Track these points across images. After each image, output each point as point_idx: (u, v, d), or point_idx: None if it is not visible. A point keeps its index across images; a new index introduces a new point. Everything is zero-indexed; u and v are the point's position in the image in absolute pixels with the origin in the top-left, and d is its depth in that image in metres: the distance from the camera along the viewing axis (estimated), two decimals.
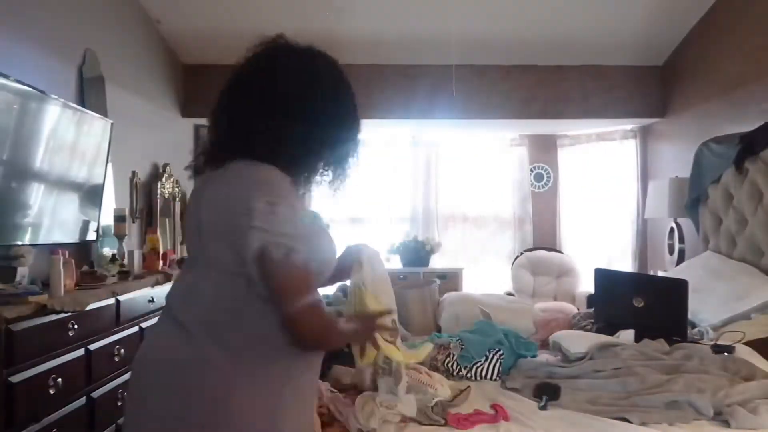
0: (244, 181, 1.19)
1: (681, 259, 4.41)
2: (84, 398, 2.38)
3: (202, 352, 1.19)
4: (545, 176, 6.00)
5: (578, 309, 4.22)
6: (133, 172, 4.06)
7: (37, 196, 2.67)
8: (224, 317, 1.21)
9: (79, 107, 3.03)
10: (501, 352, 2.66)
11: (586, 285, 5.05)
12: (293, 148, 1.25)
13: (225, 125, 1.31)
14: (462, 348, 2.70)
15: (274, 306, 1.18)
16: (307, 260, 1.18)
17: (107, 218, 3.38)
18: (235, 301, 1.20)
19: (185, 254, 4.77)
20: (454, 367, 2.60)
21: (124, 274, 3.02)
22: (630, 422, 1.99)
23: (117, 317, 2.69)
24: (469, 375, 2.59)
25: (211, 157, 1.31)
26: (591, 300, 4.28)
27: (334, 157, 1.34)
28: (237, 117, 1.29)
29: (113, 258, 3.20)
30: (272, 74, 1.35)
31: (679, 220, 4.48)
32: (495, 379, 2.56)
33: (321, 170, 1.35)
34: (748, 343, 2.65)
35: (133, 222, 4.01)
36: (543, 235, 5.98)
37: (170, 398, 1.18)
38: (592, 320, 3.24)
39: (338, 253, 1.45)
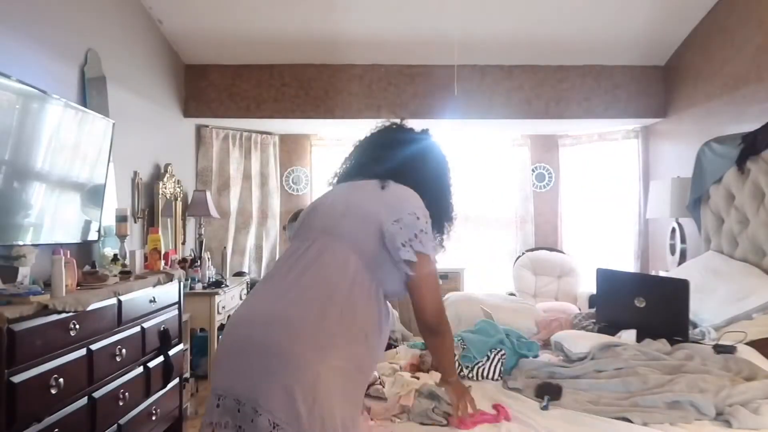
0: (410, 194, 1.65)
1: (683, 259, 4.40)
2: (85, 398, 2.38)
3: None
4: (547, 176, 6.00)
5: (580, 309, 4.23)
6: (135, 172, 4.06)
7: (38, 196, 2.67)
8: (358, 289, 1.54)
9: (80, 107, 3.03)
10: (503, 352, 2.66)
11: (588, 285, 5.04)
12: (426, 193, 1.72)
13: (372, 158, 1.78)
14: (464, 348, 2.70)
15: (417, 292, 1.60)
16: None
17: (109, 218, 3.39)
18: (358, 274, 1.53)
19: (186, 254, 4.78)
20: (456, 367, 2.59)
21: (126, 274, 3.02)
22: (632, 422, 1.99)
23: (119, 317, 2.69)
24: (470, 375, 2.59)
25: (365, 171, 1.74)
26: (592, 300, 4.29)
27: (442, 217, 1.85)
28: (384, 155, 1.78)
29: (115, 258, 3.20)
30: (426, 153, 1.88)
31: (681, 220, 4.48)
32: (496, 379, 2.56)
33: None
34: (750, 344, 2.65)
35: (135, 222, 4.01)
36: (545, 235, 5.97)
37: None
38: (594, 320, 3.24)
39: None
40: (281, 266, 1.59)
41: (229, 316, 4.89)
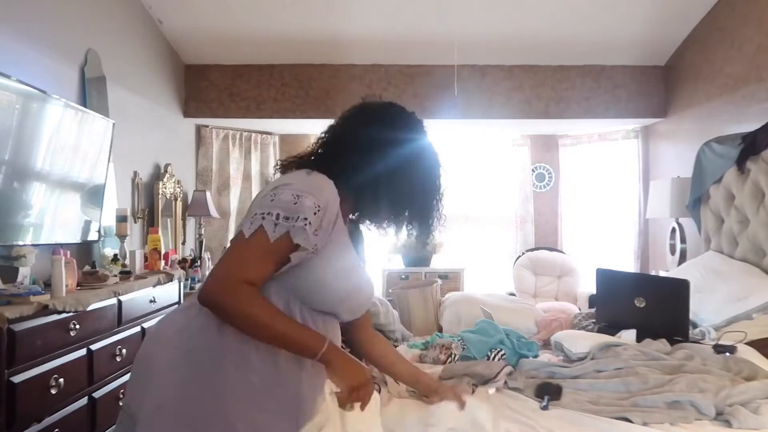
0: (298, 174, 1.34)
1: (683, 259, 4.40)
2: (85, 398, 2.38)
3: None
4: (547, 176, 6.00)
5: (580, 309, 4.22)
6: (135, 172, 4.06)
7: (38, 196, 2.67)
8: None
9: (80, 107, 3.03)
10: (503, 351, 2.66)
11: (588, 285, 5.04)
12: (356, 174, 1.39)
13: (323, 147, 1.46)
14: (464, 348, 2.70)
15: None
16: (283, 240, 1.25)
17: (109, 218, 3.39)
18: None
19: (186, 254, 4.78)
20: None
21: (126, 274, 3.02)
22: (632, 422, 1.98)
23: (119, 317, 2.70)
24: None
25: (295, 165, 1.44)
26: (592, 300, 4.28)
27: (413, 212, 1.50)
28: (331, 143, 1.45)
29: (115, 258, 3.20)
30: (366, 121, 1.46)
31: (681, 220, 4.47)
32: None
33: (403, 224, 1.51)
34: (750, 343, 2.65)
35: (135, 222, 4.01)
36: (545, 235, 5.98)
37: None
38: (594, 320, 3.24)
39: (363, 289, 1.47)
40: None
41: None
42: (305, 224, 1.25)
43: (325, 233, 1.30)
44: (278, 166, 1.48)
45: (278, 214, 1.24)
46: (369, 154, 1.39)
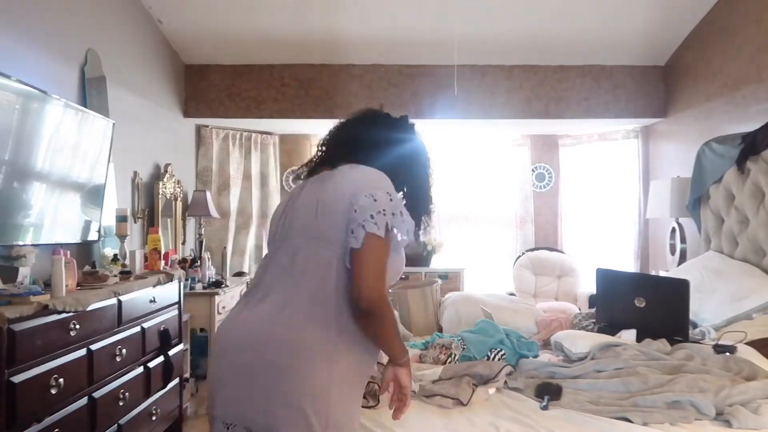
0: (365, 173, 1.51)
1: (683, 259, 4.40)
2: (86, 398, 2.38)
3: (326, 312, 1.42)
4: (547, 176, 6.00)
5: (580, 309, 4.22)
6: (135, 172, 4.06)
7: (38, 196, 2.67)
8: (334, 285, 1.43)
9: (80, 107, 3.03)
10: (503, 351, 2.66)
11: (588, 285, 5.04)
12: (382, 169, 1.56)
13: (338, 145, 1.65)
14: (464, 348, 2.70)
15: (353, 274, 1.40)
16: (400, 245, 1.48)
17: (109, 218, 3.39)
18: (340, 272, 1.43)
19: (186, 254, 4.78)
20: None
21: (126, 274, 3.02)
22: (632, 422, 1.99)
23: (119, 317, 2.69)
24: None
25: (321, 164, 1.63)
26: (592, 300, 4.28)
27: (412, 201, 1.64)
28: (350, 140, 1.64)
29: (115, 258, 3.20)
30: (377, 122, 1.70)
31: (681, 220, 4.48)
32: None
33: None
34: (750, 343, 2.65)
35: (135, 222, 4.01)
36: (545, 235, 5.98)
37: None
38: (594, 320, 3.24)
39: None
40: (263, 278, 1.51)
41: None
42: (402, 215, 1.45)
43: None
44: (318, 160, 1.66)
45: (386, 211, 1.40)
46: (391, 164, 1.60)
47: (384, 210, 1.40)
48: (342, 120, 1.70)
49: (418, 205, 1.64)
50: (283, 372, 1.35)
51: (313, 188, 1.53)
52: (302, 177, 1.67)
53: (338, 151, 1.62)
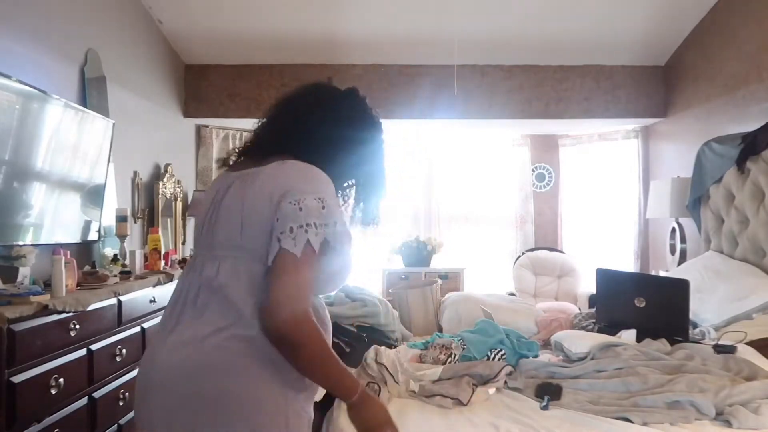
0: (297, 170, 1.27)
1: (683, 259, 4.40)
2: (85, 398, 2.38)
3: (253, 332, 1.21)
4: (547, 176, 6.00)
5: (580, 309, 4.22)
6: (135, 172, 4.06)
7: (38, 196, 2.67)
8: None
9: (80, 107, 3.03)
10: (503, 351, 2.66)
11: (588, 285, 5.04)
12: (326, 159, 1.35)
13: (272, 132, 1.41)
14: (464, 348, 2.70)
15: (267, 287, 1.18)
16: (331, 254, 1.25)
17: (109, 218, 3.39)
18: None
19: (187, 254, 4.78)
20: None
21: (126, 274, 3.02)
22: (632, 422, 1.99)
23: (119, 317, 2.70)
24: None
25: (252, 154, 1.39)
26: (592, 300, 4.28)
27: (363, 188, 1.48)
28: (286, 126, 1.40)
29: (115, 258, 3.20)
30: (321, 102, 1.44)
31: (681, 220, 4.48)
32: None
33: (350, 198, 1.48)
34: (750, 343, 2.65)
35: (135, 222, 4.01)
36: (544, 235, 5.98)
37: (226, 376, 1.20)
38: (594, 320, 3.24)
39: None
40: (181, 296, 1.39)
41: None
42: (336, 225, 1.23)
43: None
44: (242, 156, 1.42)
45: (315, 223, 1.19)
46: (341, 150, 1.40)
47: (309, 223, 1.18)
48: (279, 99, 1.45)
49: (372, 195, 1.48)
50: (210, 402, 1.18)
51: (239, 188, 1.29)
52: (227, 167, 1.44)
53: (271, 140, 1.38)
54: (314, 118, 1.38)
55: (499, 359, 2.61)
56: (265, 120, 1.43)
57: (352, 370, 2.23)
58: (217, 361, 1.19)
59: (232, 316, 1.22)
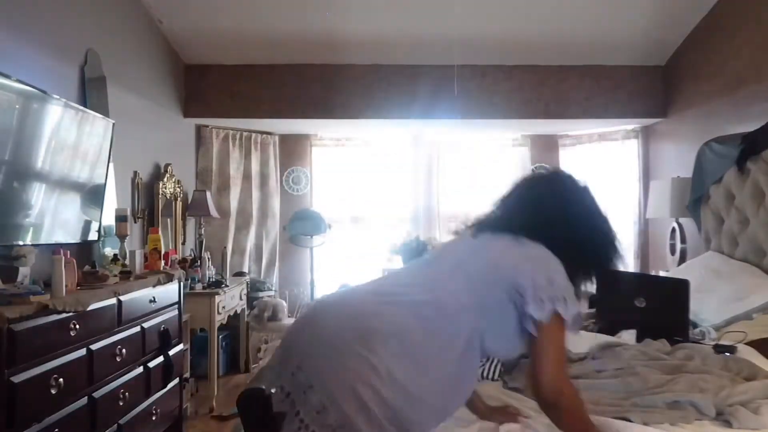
0: (549, 255, 1.47)
1: (683, 259, 4.40)
2: (85, 398, 2.38)
3: None
4: None
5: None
6: (135, 172, 4.06)
7: (38, 196, 2.67)
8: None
9: (80, 107, 3.03)
10: None
11: (588, 285, 5.03)
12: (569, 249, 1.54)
13: (525, 213, 1.63)
14: None
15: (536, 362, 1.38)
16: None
17: (109, 218, 3.39)
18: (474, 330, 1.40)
19: (186, 254, 4.78)
20: None
21: (126, 274, 3.02)
22: (632, 422, 1.98)
23: (119, 317, 2.69)
24: None
25: (498, 225, 1.62)
26: (592, 300, 4.28)
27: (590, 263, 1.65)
28: (539, 211, 1.61)
29: (115, 258, 3.20)
30: (566, 197, 1.70)
31: (681, 220, 4.48)
32: (496, 379, 2.55)
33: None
34: (750, 343, 2.65)
35: (135, 222, 4.01)
36: None
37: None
38: (594, 320, 3.24)
39: None
40: (400, 274, 1.60)
41: (256, 309, 5.00)
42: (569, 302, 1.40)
43: None
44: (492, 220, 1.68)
45: (565, 299, 1.38)
46: (577, 229, 1.63)
47: (566, 296, 1.40)
48: (527, 181, 1.76)
49: (592, 263, 1.69)
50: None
51: (480, 242, 1.57)
52: (471, 229, 1.69)
53: (516, 217, 1.62)
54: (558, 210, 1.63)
55: (499, 359, 2.61)
56: (510, 196, 1.74)
57: None
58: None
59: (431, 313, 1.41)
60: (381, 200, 5.90)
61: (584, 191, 1.74)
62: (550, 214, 1.59)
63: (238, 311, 4.83)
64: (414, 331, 1.35)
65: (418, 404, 1.31)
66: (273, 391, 1.34)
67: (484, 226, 1.65)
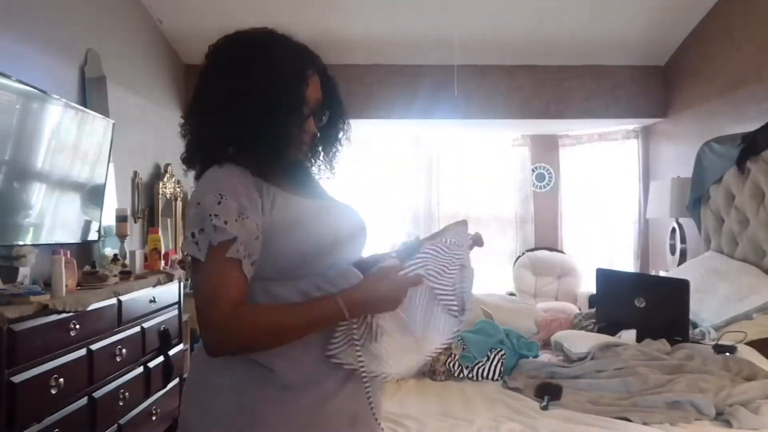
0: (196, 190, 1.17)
1: (683, 259, 4.40)
2: (85, 398, 2.38)
3: None
4: (547, 176, 6.00)
5: (580, 309, 4.23)
6: (135, 172, 4.06)
7: (38, 196, 2.67)
8: None
9: (80, 107, 3.03)
10: (503, 351, 2.66)
11: (588, 285, 5.04)
12: (226, 141, 1.21)
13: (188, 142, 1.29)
14: (464, 348, 2.70)
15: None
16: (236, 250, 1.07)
17: (109, 218, 3.39)
18: None
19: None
20: (456, 367, 2.60)
21: (126, 274, 3.02)
22: (632, 422, 1.99)
23: (119, 317, 2.69)
24: (470, 375, 2.59)
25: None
26: (593, 300, 4.28)
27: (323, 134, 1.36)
28: (190, 135, 1.29)
29: (115, 258, 3.20)
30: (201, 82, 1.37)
31: (681, 220, 4.47)
32: (496, 379, 2.56)
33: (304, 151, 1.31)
34: (750, 343, 2.65)
35: (135, 222, 4.01)
36: (545, 235, 5.97)
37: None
38: (594, 320, 3.24)
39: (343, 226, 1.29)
40: None
41: None
42: (214, 222, 1.06)
43: (256, 209, 1.12)
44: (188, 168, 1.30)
45: (192, 233, 1.08)
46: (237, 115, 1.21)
47: (202, 227, 1.07)
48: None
49: (266, 136, 1.19)
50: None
51: None
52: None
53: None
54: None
55: (499, 359, 2.61)
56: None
57: None
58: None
59: None
60: (381, 200, 5.90)
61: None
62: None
63: None
64: None
65: None
66: None
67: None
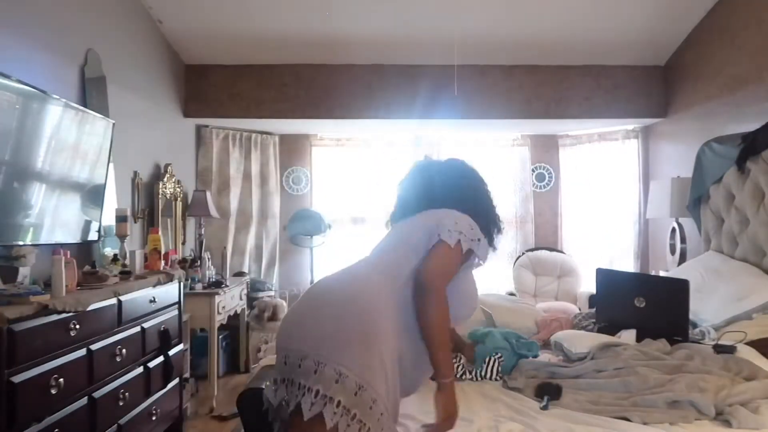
0: (449, 211, 1.83)
1: (683, 259, 4.40)
2: (86, 398, 2.38)
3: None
4: (547, 176, 6.00)
5: (580, 309, 4.22)
6: (135, 172, 4.06)
7: (38, 196, 2.67)
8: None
9: (80, 107, 3.03)
10: (500, 355, 2.66)
11: (588, 285, 5.05)
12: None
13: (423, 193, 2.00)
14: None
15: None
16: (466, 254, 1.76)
17: (109, 218, 3.39)
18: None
19: (186, 254, 4.77)
20: (459, 368, 2.60)
21: (126, 274, 3.02)
22: (632, 422, 1.99)
23: (119, 317, 2.69)
24: (470, 376, 2.59)
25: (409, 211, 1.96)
26: (592, 300, 4.28)
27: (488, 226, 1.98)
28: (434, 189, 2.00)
29: (115, 258, 3.20)
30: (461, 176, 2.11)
31: (681, 220, 4.48)
32: (496, 379, 2.56)
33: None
34: (750, 343, 2.65)
35: (135, 222, 4.01)
36: (544, 235, 5.97)
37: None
38: (594, 320, 3.24)
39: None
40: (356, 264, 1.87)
41: (257, 308, 5.11)
42: (479, 241, 1.76)
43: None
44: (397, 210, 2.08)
45: (463, 233, 1.71)
46: (471, 201, 1.99)
47: (461, 231, 1.71)
48: (409, 173, 2.07)
49: (489, 224, 1.98)
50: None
51: (399, 227, 1.94)
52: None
53: (414, 203, 1.97)
54: (445, 185, 2.02)
55: (495, 360, 2.61)
56: (404, 188, 2.08)
57: None
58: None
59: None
60: (381, 200, 5.89)
61: (473, 172, 2.17)
62: (459, 194, 1.99)
63: (238, 311, 4.84)
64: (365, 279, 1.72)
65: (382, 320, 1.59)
66: (266, 383, 1.56)
67: (397, 215, 2.05)
